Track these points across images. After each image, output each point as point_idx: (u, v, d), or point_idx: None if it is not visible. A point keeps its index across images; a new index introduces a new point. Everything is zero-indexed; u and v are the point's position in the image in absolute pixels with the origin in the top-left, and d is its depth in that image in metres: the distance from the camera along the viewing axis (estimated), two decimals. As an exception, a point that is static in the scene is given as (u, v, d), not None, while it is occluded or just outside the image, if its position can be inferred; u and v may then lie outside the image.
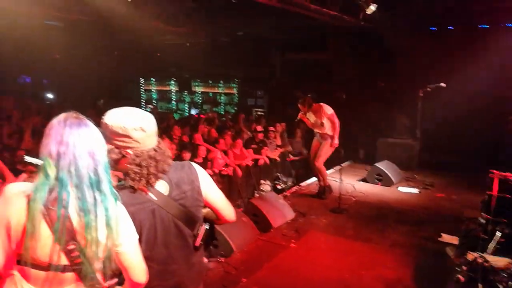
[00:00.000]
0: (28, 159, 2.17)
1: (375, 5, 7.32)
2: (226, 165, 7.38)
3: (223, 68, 13.56)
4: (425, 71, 8.37)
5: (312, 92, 6.97)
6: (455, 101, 8.04)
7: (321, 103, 6.63)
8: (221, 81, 14.72)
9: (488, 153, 7.43)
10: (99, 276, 1.60)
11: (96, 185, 1.52)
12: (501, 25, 8.54)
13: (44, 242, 1.46)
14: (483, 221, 4.11)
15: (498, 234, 3.84)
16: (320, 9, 7.04)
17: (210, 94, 15.19)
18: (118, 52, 14.07)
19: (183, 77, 15.60)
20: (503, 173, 4.10)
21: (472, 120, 8.25)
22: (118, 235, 1.59)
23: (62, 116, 1.55)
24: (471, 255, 3.57)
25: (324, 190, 6.94)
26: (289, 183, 8.98)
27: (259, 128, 9.63)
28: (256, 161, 8.15)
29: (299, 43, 11.11)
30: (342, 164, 6.89)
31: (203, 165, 6.62)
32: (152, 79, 16.47)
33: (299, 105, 6.74)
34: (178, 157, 6.50)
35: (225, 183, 7.25)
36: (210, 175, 2.17)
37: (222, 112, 14.17)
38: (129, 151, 1.82)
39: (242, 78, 13.97)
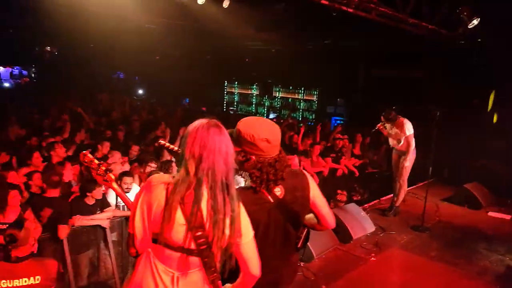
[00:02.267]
0: (163, 142, 2.51)
1: (477, 19, 6.94)
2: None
3: (305, 75, 13.66)
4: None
5: (400, 109, 6.75)
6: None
7: (405, 119, 6.42)
8: (302, 88, 14.83)
9: None
10: (218, 266, 1.81)
11: (226, 188, 1.75)
12: None
13: (178, 228, 1.70)
14: None
15: None
16: (418, 22, 6.85)
17: (290, 100, 15.39)
18: (209, 56, 14.80)
19: (265, 82, 15.99)
20: None
21: None
22: (239, 231, 1.79)
23: (205, 121, 1.78)
24: None
25: (392, 208, 6.73)
26: (366, 195, 8.80)
27: (337, 135, 9.53)
28: (333, 170, 8.11)
29: (388, 57, 10.83)
30: (427, 181, 6.61)
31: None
32: (235, 82, 17.09)
33: (382, 117, 6.58)
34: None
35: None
36: None
37: (300, 118, 14.31)
38: (253, 156, 2.02)
39: (324, 86, 13.95)
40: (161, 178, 1.78)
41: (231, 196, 1.75)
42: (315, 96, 14.53)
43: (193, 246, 1.73)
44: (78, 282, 4.82)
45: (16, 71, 19.71)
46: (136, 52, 13.68)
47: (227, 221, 1.73)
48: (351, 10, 6.26)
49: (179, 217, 1.69)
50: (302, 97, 14.97)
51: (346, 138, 8.84)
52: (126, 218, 5.16)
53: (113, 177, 2.19)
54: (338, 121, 12.70)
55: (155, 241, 1.75)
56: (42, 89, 16.14)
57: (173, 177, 1.75)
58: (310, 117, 14.16)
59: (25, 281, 2.97)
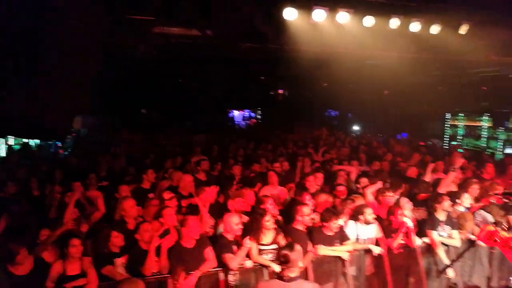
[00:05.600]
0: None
1: None
2: None
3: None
4: None
5: None
6: None
7: None
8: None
9: None
10: None
11: None
12: None
13: None
14: None
15: None
16: None
17: (535, 132, 12.83)
18: (440, 87, 13.90)
19: (499, 112, 13.86)
20: None
21: None
22: None
23: None
24: None
25: None
26: None
27: None
28: None
29: None
30: None
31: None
32: (460, 114, 15.44)
33: None
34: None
35: None
36: None
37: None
38: None
39: None
40: None
41: None
42: None
43: None
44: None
45: (247, 114, 23.13)
46: (356, 88, 14.00)
47: None
48: None
49: None
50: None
51: None
52: (366, 252, 5.08)
53: None
54: None
55: None
56: (266, 128, 18.16)
57: None
58: None
59: (295, 300, 3.15)
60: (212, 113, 18.57)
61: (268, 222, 4.66)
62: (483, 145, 14.49)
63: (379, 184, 5.95)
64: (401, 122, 15.96)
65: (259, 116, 23.24)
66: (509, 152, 12.94)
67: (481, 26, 7.29)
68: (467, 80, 12.61)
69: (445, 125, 15.94)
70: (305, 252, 4.66)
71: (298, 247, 3.24)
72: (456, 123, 15.63)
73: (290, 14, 7.32)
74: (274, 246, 4.62)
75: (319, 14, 7.34)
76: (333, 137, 13.41)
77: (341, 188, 6.24)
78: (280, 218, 5.36)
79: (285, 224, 5.14)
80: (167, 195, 5.57)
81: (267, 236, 4.66)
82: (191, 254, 4.29)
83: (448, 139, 15.69)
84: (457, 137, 15.51)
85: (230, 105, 21.22)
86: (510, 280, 4.93)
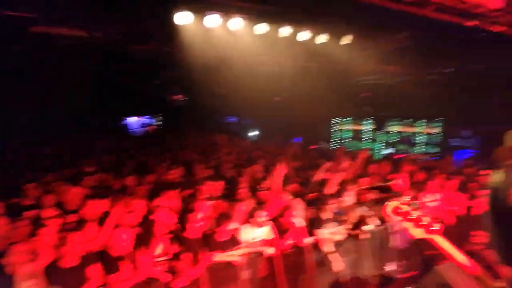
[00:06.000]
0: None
1: None
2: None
3: (425, 106, 12.83)
4: None
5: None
6: None
7: None
8: (420, 120, 13.97)
9: None
10: None
11: None
12: None
13: None
14: None
15: None
16: None
17: (409, 134, 14.54)
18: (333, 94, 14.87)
19: (378, 116, 15.43)
20: None
21: None
22: None
23: None
24: None
25: None
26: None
27: (470, 170, 8.51)
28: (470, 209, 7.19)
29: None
30: None
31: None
32: (345, 118, 16.83)
33: None
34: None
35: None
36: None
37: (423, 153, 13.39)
38: None
39: (447, 116, 12.91)
40: None
41: None
42: (437, 129, 13.51)
43: None
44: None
45: (146, 121, 22.23)
46: (253, 95, 14.33)
47: None
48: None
49: None
50: (421, 130, 14.05)
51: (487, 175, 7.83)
52: (259, 254, 5.16)
53: (438, 227, 2.01)
54: (470, 154, 11.51)
55: None
56: (165, 134, 17.70)
57: None
58: (433, 151, 13.16)
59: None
60: (106, 119, 17.54)
61: (160, 233, 4.49)
62: (366, 146, 15.97)
63: (276, 187, 6.14)
64: (295, 127, 16.79)
65: (159, 123, 22.57)
66: (387, 153, 14.45)
67: (364, 37, 7.99)
68: (351, 87, 13.76)
69: (333, 129, 17.23)
70: (197, 260, 4.59)
71: (187, 256, 3.16)
72: (343, 127, 17.03)
73: (182, 18, 7.21)
74: (165, 257, 4.45)
75: (212, 20, 7.36)
76: (231, 142, 13.58)
77: (241, 192, 6.30)
78: (176, 227, 5.21)
79: (180, 233, 5.01)
80: (48, 213, 5.01)
81: (159, 247, 4.48)
82: (72, 274, 3.93)
83: (335, 142, 16.98)
84: (342, 140, 16.89)
85: (126, 111, 20.21)
86: (385, 268, 5.46)
